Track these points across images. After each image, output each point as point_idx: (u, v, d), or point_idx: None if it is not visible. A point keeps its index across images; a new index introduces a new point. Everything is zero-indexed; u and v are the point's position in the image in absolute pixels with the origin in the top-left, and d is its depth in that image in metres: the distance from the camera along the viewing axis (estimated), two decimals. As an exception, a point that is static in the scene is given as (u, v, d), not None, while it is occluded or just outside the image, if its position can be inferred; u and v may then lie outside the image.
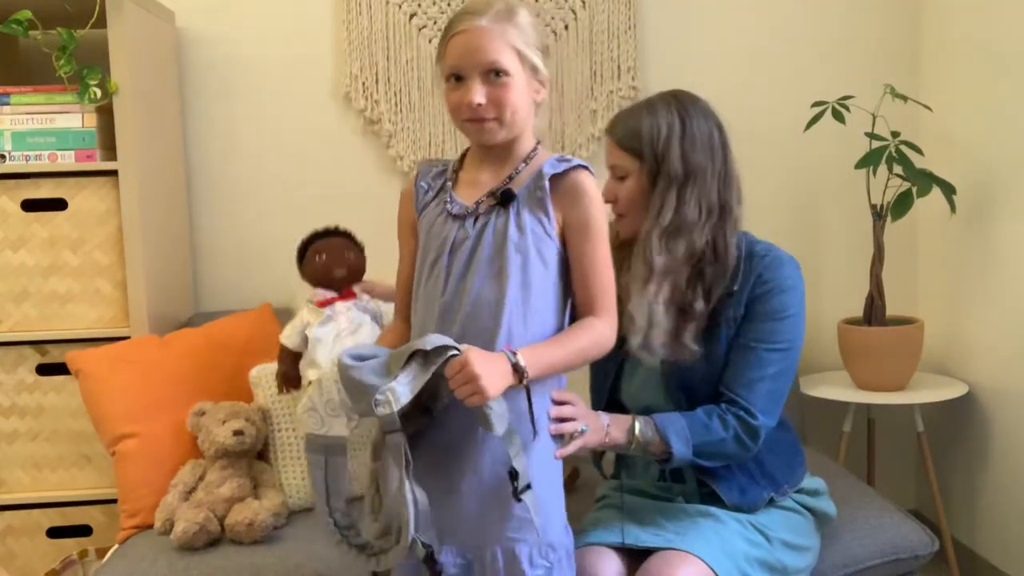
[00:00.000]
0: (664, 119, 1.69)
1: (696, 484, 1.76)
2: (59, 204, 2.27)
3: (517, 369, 1.39)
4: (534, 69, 1.48)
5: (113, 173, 2.26)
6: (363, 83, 2.72)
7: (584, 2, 2.74)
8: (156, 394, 2.14)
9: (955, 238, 2.69)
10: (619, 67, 2.75)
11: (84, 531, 2.32)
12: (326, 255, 2.06)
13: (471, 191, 1.52)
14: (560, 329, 1.50)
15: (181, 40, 2.68)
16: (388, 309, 2.10)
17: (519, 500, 1.40)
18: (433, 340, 1.37)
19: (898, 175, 2.51)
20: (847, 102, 2.54)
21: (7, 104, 2.24)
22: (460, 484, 1.46)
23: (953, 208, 2.47)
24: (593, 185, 1.50)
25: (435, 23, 2.71)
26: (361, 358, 1.40)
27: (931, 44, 2.79)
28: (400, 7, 2.70)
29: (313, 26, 2.73)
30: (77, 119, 2.25)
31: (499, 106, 1.44)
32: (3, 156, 2.24)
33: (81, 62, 2.21)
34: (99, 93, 2.22)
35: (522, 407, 1.43)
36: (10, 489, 2.32)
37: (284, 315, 2.56)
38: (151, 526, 2.02)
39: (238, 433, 2.03)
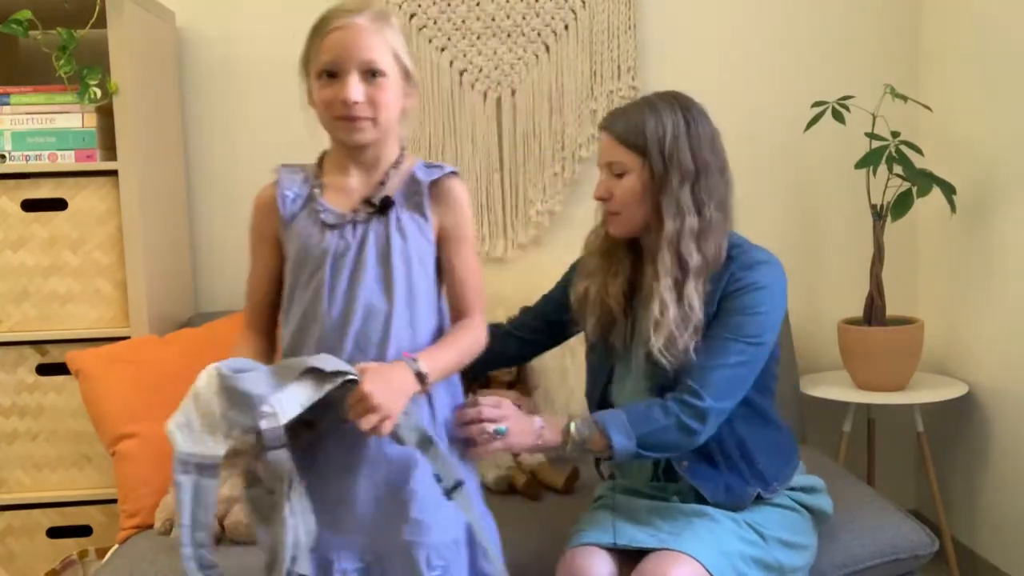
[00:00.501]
0: (668, 117, 1.68)
1: (689, 484, 1.76)
2: (59, 204, 2.27)
3: (420, 376, 1.40)
4: (407, 74, 1.48)
5: (113, 173, 2.26)
6: (363, 83, 2.72)
7: (584, 2, 2.73)
8: (156, 394, 2.13)
9: (955, 238, 2.69)
10: (619, 67, 2.75)
11: (84, 531, 2.32)
12: None
13: (341, 198, 1.49)
14: (440, 331, 1.52)
15: (181, 40, 2.68)
16: None
17: (450, 499, 1.41)
18: (330, 362, 1.34)
19: (898, 175, 2.51)
20: (847, 102, 2.54)
21: (7, 104, 2.24)
22: (355, 490, 1.46)
23: (953, 208, 2.47)
24: (465, 191, 1.52)
25: (435, 23, 2.71)
26: (238, 371, 1.33)
27: (931, 44, 2.79)
28: (400, 7, 2.70)
29: (313, 26, 2.72)
30: (77, 119, 2.25)
31: (375, 106, 1.43)
32: (3, 156, 2.24)
33: (81, 62, 2.21)
34: (99, 93, 2.22)
35: (425, 412, 1.44)
36: (10, 489, 2.32)
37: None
38: (151, 526, 2.02)
39: (238, 433, 2.03)
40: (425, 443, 1.39)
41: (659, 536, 1.64)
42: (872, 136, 2.54)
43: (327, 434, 1.45)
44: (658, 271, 1.68)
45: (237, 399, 1.30)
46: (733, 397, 1.67)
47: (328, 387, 1.32)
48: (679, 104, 1.71)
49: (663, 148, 1.67)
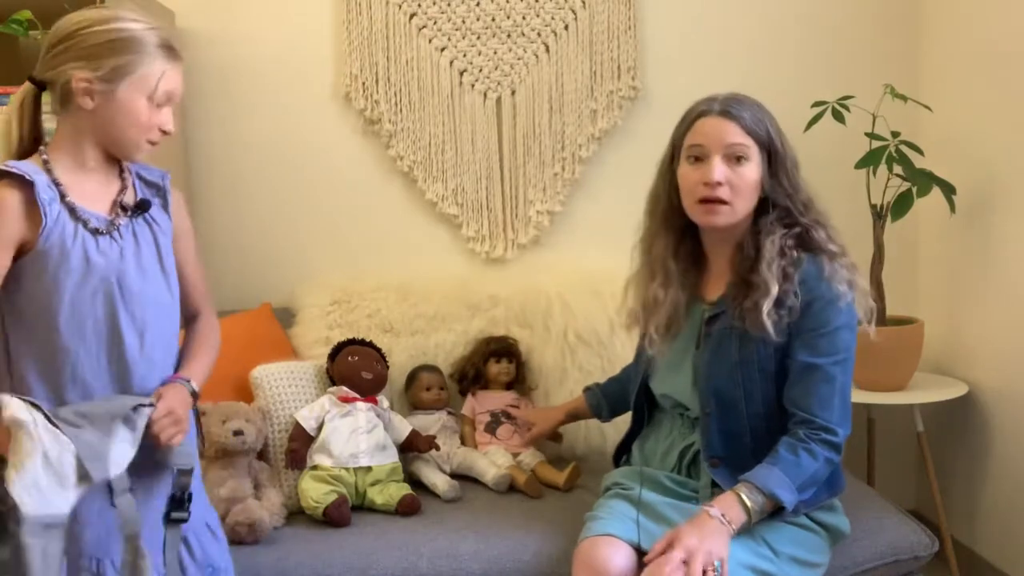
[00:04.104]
0: (766, 113, 1.82)
1: (710, 482, 1.78)
2: (59, 204, 2.26)
3: (193, 395, 1.55)
4: None
5: (113, 173, 2.25)
6: (363, 83, 2.72)
7: (584, 2, 2.73)
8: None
9: (955, 238, 2.69)
10: (619, 67, 2.75)
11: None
12: (359, 358, 2.25)
13: (92, 202, 1.50)
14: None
15: (181, 40, 2.67)
16: (395, 417, 2.26)
17: (166, 524, 1.50)
18: (128, 400, 1.43)
19: (898, 175, 2.51)
20: (847, 102, 2.54)
21: (7, 104, 2.24)
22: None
23: (953, 208, 2.47)
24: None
25: (435, 23, 2.71)
26: (67, 421, 1.37)
27: (931, 44, 2.79)
28: (400, 7, 2.70)
29: (313, 26, 2.73)
30: (77, 119, 2.24)
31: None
32: (3, 156, 2.24)
33: (81, 62, 2.20)
34: (99, 93, 2.21)
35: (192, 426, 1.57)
36: (10, 489, 2.31)
37: (284, 315, 2.56)
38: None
39: (238, 433, 2.03)
40: (187, 470, 1.51)
41: None
42: (872, 136, 2.54)
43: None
44: (762, 252, 1.76)
45: (86, 453, 1.35)
46: (850, 416, 1.75)
47: (141, 421, 1.42)
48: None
49: (781, 140, 1.80)
